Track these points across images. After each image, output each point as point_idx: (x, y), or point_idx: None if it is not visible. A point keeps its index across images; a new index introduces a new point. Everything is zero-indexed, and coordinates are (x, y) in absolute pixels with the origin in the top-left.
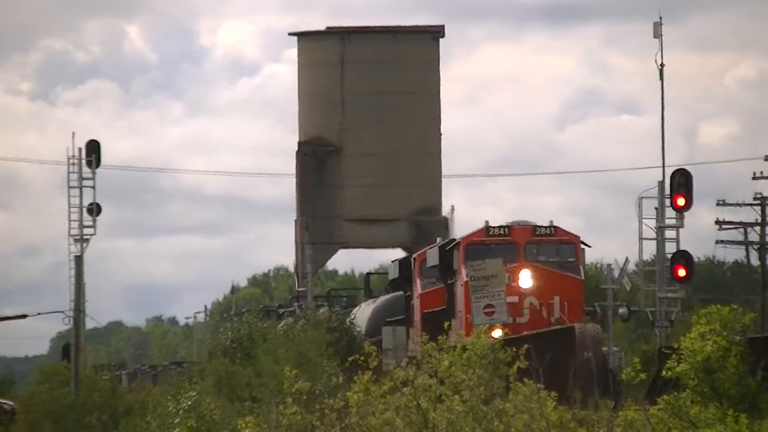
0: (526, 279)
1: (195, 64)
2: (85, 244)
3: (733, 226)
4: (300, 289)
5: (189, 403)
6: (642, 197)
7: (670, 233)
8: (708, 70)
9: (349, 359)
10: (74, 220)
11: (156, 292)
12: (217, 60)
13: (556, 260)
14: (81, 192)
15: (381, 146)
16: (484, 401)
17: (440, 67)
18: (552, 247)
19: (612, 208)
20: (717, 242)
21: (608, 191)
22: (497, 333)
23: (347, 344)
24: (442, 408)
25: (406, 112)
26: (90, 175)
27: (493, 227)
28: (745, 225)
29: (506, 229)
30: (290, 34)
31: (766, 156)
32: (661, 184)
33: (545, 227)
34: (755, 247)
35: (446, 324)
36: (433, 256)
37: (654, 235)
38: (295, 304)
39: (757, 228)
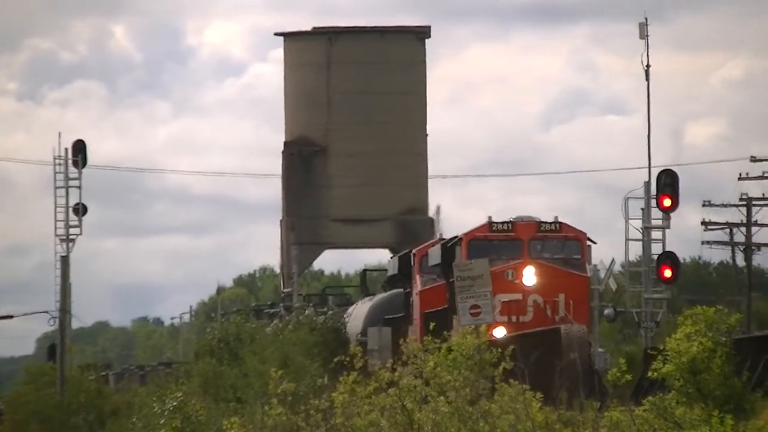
0: (530, 276)
1: (181, 64)
2: (71, 244)
3: (719, 227)
4: (286, 290)
5: (174, 403)
6: (628, 198)
7: (656, 234)
8: (694, 70)
9: (335, 360)
10: (60, 220)
11: (142, 293)
12: (203, 60)
13: (561, 257)
14: (67, 192)
15: (367, 146)
16: (470, 402)
17: (426, 68)
18: (557, 243)
19: (598, 208)
20: (703, 243)
21: (595, 192)
22: (500, 331)
23: (335, 345)
24: (427, 409)
25: (392, 113)
26: (76, 175)
27: (497, 223)
28: (731, 226)
29: (510, 225)
30: (276, 34)
31: (752, 157)
32: (647, 184)
33: (550, 223)
34: (741, 247)
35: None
36: (435, 253)
37: (640, 236)
38: (281, 304)
39: (743, 229)
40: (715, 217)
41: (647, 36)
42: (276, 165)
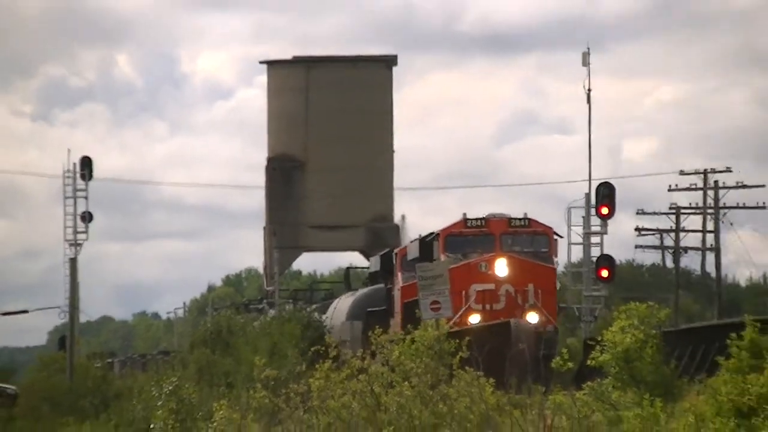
0: (502, 267)
1: (177, 89)
2: (78, 248)
3: (650, 233)
4: (269, 288)
5: (170, 388)
6: (571, 207)
7: (595, 239)
8: (630, 93)
9: (311, 349)
10: (69, 227)
11: (141, 290)
12: (196, 85)
13: (531, 250)
14: (75, 202)
15: (341, 161)
16: (431, 386)
17: (393, 92)
18: (526, 237)
19: (545, 216)
20: (636, 247)
21: (542, 202)
22: (475, 318)
23: (314, 336)
24: (393, 393)
25: (363, 132)
26: (83, 187)
27: (471, 219)
28: (661, 231)
29: (483, 221)
30: (261, 62)
31: (681, 171)
32: (588, 195)
33: (520, 219)
34: (670, 251)
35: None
36: (413, 249)
37: (581, 241)
38: (264, 301)
39: (672, 234)
40: (648, 224)
41: (589, 64)
42: (260, 178)
